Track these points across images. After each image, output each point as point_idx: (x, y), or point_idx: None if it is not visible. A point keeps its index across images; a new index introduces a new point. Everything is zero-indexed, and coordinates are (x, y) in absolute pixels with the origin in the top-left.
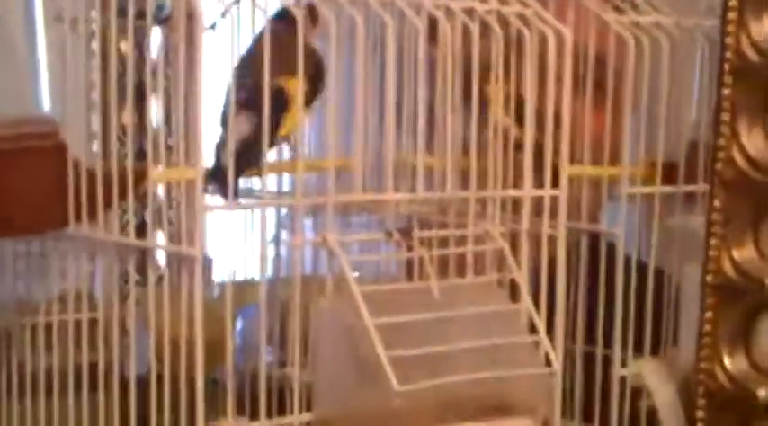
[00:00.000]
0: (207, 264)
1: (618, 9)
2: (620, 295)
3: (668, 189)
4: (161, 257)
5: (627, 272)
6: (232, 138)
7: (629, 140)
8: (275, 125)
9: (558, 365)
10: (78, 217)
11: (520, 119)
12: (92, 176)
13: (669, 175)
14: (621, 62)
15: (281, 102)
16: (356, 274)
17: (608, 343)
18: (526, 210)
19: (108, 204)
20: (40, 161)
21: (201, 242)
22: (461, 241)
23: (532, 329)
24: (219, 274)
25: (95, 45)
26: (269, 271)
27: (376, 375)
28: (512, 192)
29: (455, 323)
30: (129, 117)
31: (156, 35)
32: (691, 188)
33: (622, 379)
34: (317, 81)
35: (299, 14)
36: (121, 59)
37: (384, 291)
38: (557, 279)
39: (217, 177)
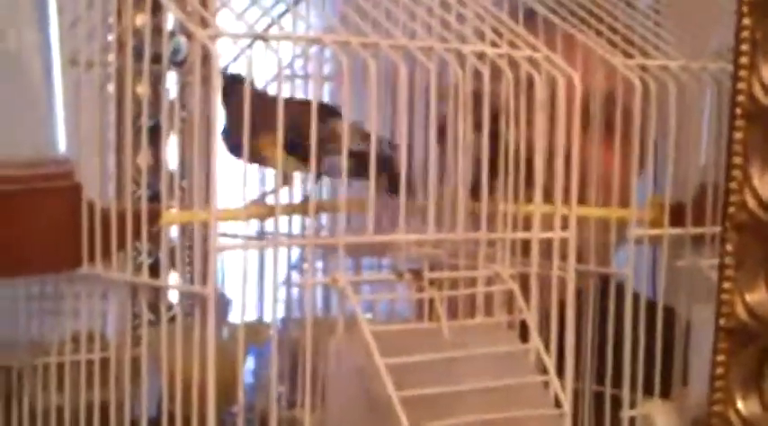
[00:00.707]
0: (225, 305)
1: (627, 54)
2: (630, 335)
3: (677, 231)
4: (174, 297)
5: (636, 313)
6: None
7: (637, 182)
8: None
9: (567, 406)
10: (92, 257)
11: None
12: (106, 216)
13: (678, 216)
14: (630, 105)
15: None
16: (368, 315)
17: (617, 383)
18: (535, 253)
19: (122, 244)
20: (55, 201)
21: (214, 281)
22: (472, 282)
23: (542, 370)
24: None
25: (111, 87)
26: (281, 312)
27: (387, 416)
28: (521, 235)
29: (465, 363)
30: (143, 158)
31: (171, 78)
32: (699, 230)
33: (632, 420)
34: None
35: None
36: (137, 102)
37: (395, 331)
38: (566, 321)
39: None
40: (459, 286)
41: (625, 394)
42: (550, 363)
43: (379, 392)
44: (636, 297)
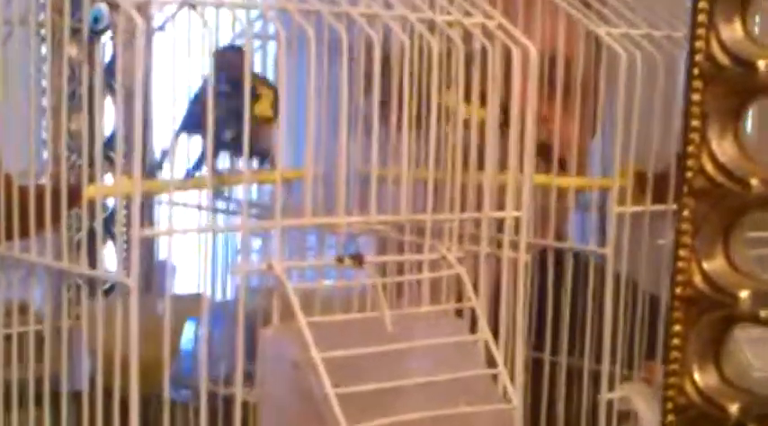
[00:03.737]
0: (170, 272)
1: (587, 3)
2: (609, 315)
3: (658, 207)
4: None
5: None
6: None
7: (615, 153)
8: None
9: (517, 400)
10: (9, 236)
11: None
12: (24, 193)
13: (654, 188)
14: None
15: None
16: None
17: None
18: (484, 234)
19: (41, 224)
20: None
21: (137, 270)
22: (418, 264)
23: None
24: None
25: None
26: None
27: (324, 413)
28: (470, 215)
29: (410, 355)
30: (56, 129)
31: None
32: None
33: (610, 403)
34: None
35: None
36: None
37: (334, 322)
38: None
39: None
40: (404, 269)
41: (604, 371)
42: (499, 355)
43: (314, 388)
44: (580, 261)
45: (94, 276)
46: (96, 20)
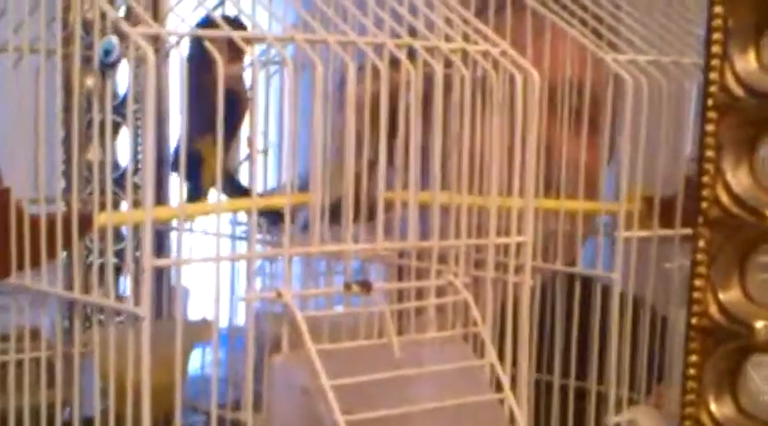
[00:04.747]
0: (182, 298)
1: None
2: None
3: (667, 232)
4: None
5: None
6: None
7: (622, 178)
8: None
9: (523, 423)
10: (21, 266)
11: None
12: (35, 223)
13: (662, 212)
14: (600, 92)
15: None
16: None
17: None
18: (490, 259)
19: (52, 254)
20: None
21: (149, 299)
22: (424, 290)
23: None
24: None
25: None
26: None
27: None
28: (475, 241)
29: (417, 381)
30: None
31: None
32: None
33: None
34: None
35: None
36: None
37: (343, 349)
38: (521, 331)
39: None
40: (411, 294)
41: (611, 396)
42: (505, 379)
43: (324, 415)
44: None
45: (105, 305)
46: (107, 52)
